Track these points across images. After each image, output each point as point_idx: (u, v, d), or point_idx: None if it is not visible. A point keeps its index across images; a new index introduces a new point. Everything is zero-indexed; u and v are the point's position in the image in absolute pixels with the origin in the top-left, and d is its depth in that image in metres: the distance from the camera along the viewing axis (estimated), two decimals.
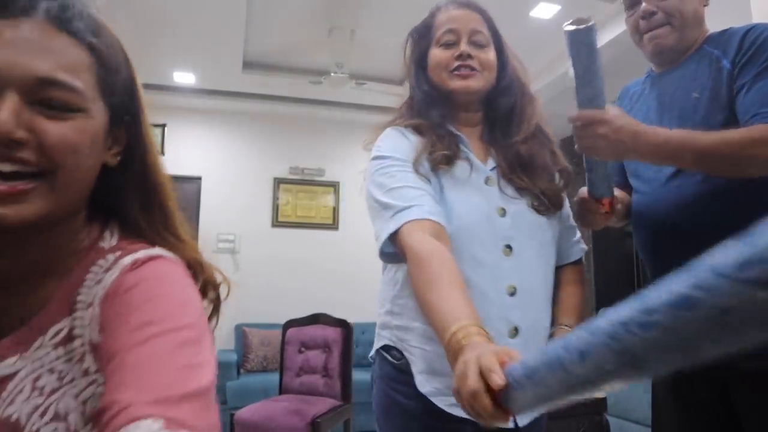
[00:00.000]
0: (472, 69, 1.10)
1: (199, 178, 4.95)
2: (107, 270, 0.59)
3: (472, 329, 0.76)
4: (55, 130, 0.54)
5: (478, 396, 0.65)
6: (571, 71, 1.02)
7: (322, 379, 3.18)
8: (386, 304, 1.13)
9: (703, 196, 1.13)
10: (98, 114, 0.58)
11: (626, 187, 1.34)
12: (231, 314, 4.68)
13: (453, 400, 0.85)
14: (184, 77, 4.46)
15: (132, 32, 3.52)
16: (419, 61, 1.17)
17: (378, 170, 1.05)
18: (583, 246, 1.22)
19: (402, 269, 1.07)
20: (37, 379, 0.57)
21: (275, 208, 5.17)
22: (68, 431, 0.56)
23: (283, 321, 3.39)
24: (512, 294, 1.03)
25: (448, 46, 1.12)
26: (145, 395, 0.46)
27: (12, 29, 0.52)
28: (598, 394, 2.99)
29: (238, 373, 4.30)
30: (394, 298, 1.11)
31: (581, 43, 0.98)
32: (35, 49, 0.53)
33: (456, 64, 1.10)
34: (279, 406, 2.85)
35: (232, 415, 2.84)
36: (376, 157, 1.08)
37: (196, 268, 0.65)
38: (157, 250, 0.61)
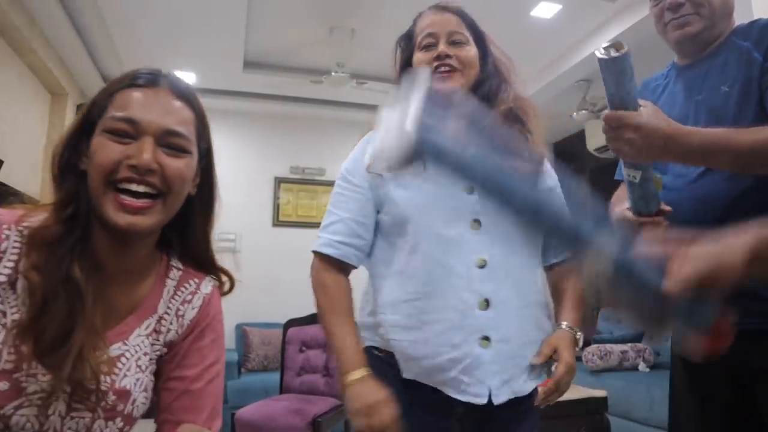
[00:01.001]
0: (452, 68, 1.15)
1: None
2: (193, 293, 0.89)
3: (369, 372, 1.05)
4: (174, 164, 0.78)
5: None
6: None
7: (322, 379, 3.18)
8: (363, 307, 1.21)
9: (733, 194, 1.10)
10: (195, 155, 0.83)
11: None
12: (232, 314, 4.68)
13: (434, 380, 1.06)
14: (184, 77, 4.45)
15: (132, 31, 3.50)
16: (404, 68, 1.23)
17: (336, 185, 1.20)
18: None
19: (379, 275, 1.16)
20: (138, 359, 0.82)
21: (276, 208, 5.17)
22: (146, 398, 0.83)
23: (283, 320, 3.39)
24: (482, 267, 1.06)
25: (428, 48, 1.17)
26: (201, 422, 0.84)
27: (145, 95, 0.79)
28: (599, 393, 2.90)
29: (239, 372, 4.29)
30: (374, 304, 1.17)
31: (614, 71, 0.95)
32: (163, 110, 0.79)
33: (435, 64, 1.15)
34: (280, 405, 2.85)
35: (232, 415, 2.84)
36: (342, 170, 1.20)
37: (219, 277, 0.93)
38: (209, 284, 0.92)
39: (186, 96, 0.83)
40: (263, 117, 5.17)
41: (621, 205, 1.27)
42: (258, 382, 4.00)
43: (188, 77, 4.48)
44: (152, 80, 0.81)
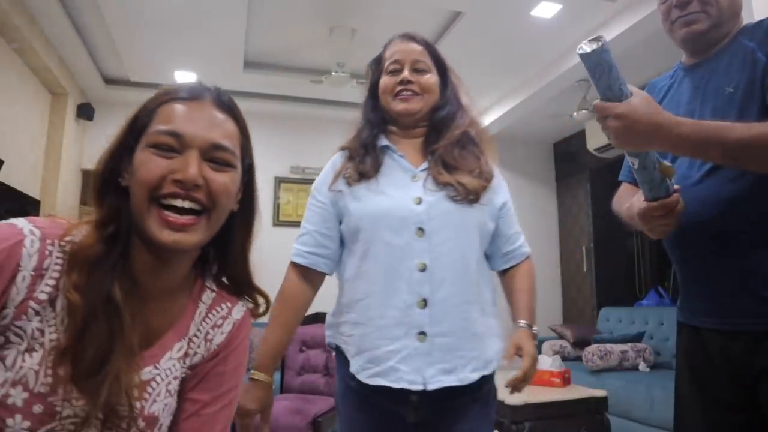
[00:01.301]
0: (414, 93, 1.30)
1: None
2: (224, 318, 0.87)
3: (266, 379, 1.29)
4: (219, 179, 0.76)
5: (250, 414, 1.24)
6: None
7: (323, 378, 3.18)
8: (333, 309, 1.35)
9: (734, 197, 1.11)
10: (239, 170, 0.81)
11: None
12: None
13: (372, 372, 1.19)
14: (185, 76, 4.46)
15: (133, 31, 3.51)
16: (372, 89, 1.38)
17: (308, 200, 1.37)
18: (526, 250, 1.38)
19: (342, 279, 1.32)
20: (168, 383, 0.79)
21: (276, 208, 5.17)
22: (170, 421, 0.81)
23: None
24: (422, 270, 1.19)
25: (393, 73, 1.32)
26: None
27: (189, 108, 0.77)
28: (599, 392, 2.95)
29: None
30: (339, 305, 1.32)
31: (595, 62, 1.01)
32: (208, 123, 0.77)
33: (398, 88, 1.30)
34: (280, 405, 2.85)
35: None
36: (312, 188, 1.37)
37: (254, 298, 0.90)
38: (242, 309, 0.90)
39: (230, 109, 0.81)
40: (263, 117, 5.17)
41: (622, 203, 1.28)
42: None
43: (188, 77, 4.49)
44: (196, 93, 0.79)
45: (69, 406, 0.69)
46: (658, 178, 1.09)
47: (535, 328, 1.30)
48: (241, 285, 0.89)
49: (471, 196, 1.24)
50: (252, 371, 1.28)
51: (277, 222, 5.13)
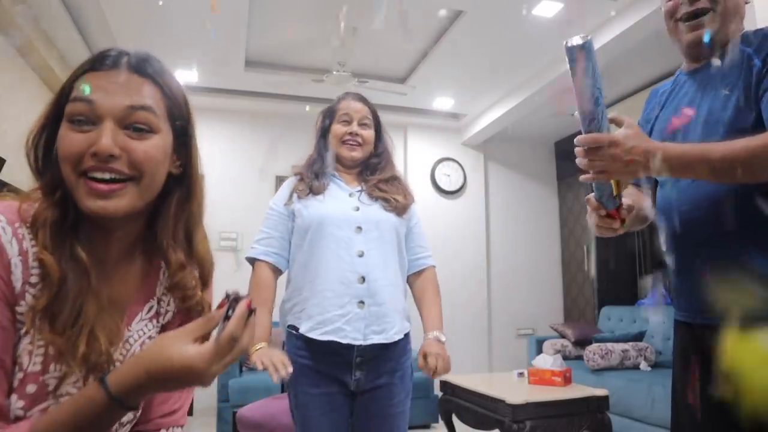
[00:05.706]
0: (358, 143, 1.74)
1: (201, 177, 4.94)
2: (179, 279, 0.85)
3: (266, 345, 1.56)
4: (141, 147, 0.74)
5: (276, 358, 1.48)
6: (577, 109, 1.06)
7: None
8: (284, 298, 1.69)
9: (724, 195, 1.13)
10: (167, 135, 0.79)
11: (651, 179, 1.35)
12: None
13: (322, 331, 1.56)
14: (186, 75, 4.46)
15: (134, 30, 3.50)
16: (323, 131, 1.81)
17: (267, 212, 1.77)
18: (429, 262, 1.81)
19: (291, 269, 1.69)
20: (142, 343, 0.83)
21: None
22: None
23: None
24: (360, 256, 1.61)
25: (344, 123, 1.76)
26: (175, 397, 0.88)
27: (106, 78, 0.74)
28: (600, 392, 2.95)
29: (240, 371, 4.30)
30: (289, 291, 1.67)
31: (580, 60, 1.00)
32: (124, 88, 0.74)
33: (347, 138, 1.74)
34: (281, 404, 2.85)
35: (234, 413, 2.85)
36: (270, 203, 1.79)
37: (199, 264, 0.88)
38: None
39: (149, 73, 0.78)
40: (265, 115, 5.17)
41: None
42: (259, 381, 4.00)
43: (190, 76, 4.49)
44: (114, 61, 0.76)
45: (60, 383, 0.72)
46: (609, 191, 1.14)
47: (442, 337, 1.67)
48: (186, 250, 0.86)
49: (399, 209, 1.70)
50: (253, 345, 1.54)
51: None
